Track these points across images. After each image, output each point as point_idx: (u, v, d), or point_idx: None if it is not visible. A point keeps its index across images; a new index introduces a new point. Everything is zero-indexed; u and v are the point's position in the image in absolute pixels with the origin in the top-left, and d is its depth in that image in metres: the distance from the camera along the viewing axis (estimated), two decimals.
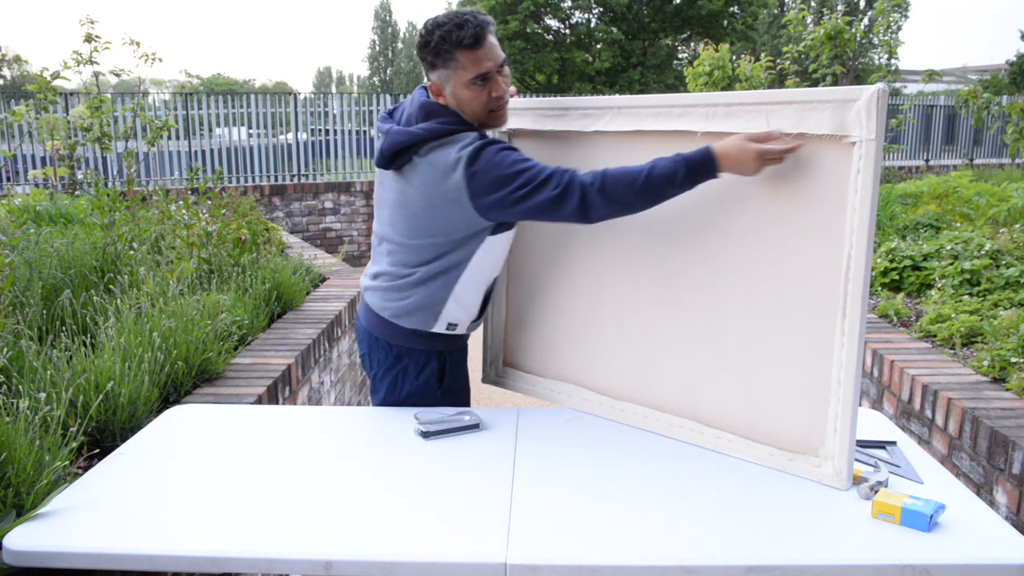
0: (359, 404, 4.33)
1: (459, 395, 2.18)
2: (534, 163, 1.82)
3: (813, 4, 32.73)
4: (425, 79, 1.97)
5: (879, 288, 4.12)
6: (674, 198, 1.77)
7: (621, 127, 1.90)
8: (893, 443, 1.84)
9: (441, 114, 1.91)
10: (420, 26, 1.92)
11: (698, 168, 1.70)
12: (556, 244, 2.10)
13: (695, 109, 1.77)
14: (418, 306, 2.02)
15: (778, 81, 8.44)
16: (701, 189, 1.78)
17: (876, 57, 21.14)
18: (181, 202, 4.13)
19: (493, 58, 1.88)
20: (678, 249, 1.85)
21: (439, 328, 2.04)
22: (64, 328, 2.65)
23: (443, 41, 1.84)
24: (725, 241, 1.77)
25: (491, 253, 1.99)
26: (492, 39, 1.88)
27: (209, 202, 4.19)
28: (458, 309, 2.04)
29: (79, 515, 1.51)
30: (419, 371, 2.09)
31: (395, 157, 1.92)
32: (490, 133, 2.02)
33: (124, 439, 2.05)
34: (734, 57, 8.76)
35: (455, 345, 2.12)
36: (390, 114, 2.06)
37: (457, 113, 1.92)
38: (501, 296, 2.27)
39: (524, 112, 2.10)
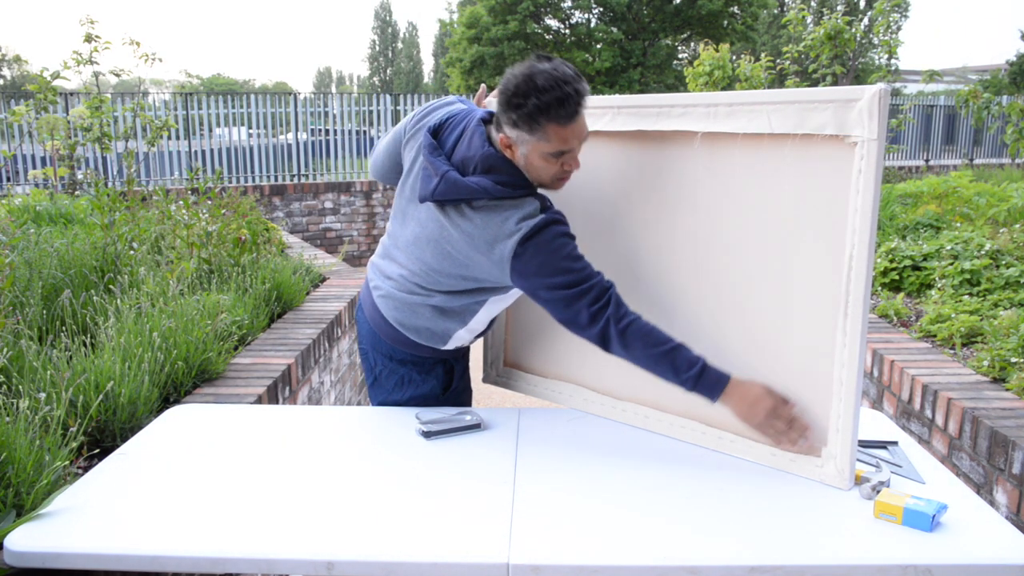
0: (359, 404, 4.33)
1: (461, 398, 2.19)
2: (583, 265, 1.74)
3: (813, 4, 32.73)
4: (493, 131, 1.82)
5: (879, 288, 4.12)
6: (680, 197, 1.78)
7: (621, 127, 1.90)
8: (895, 443, 1.84)
9: (504, 171, 1.78)
10: (514, 74, 1.72)
11: (707, 384, 1.69)
12: None
13: (696, 109, 1.76)
14: (429, 328, 1.98)
15: (778, 81, 8.44)
16: (700, 190, 1.78)
17: (876, 57, 21.15)
18: (181, 202, 4.13)
19: (579, 135, 1.75)
20: (679, 249, 1.85)
21: (449, 347, 2.04)
22: (64, 328, 2.65)
23: (538, 111, 1.68)
24: (726, 241, 1.77)
25: (514, 293, 1.94)
26: (583, 112, 1.73)
27: (209, 202, 4.19)
28: (468, 334, 2.03)
29: (79, 515, 1.51)
30: (424, 378, 2.07)
31: (449, 198, 1.81)
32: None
33: (124, 439, 2.05)
34: (734, 57, 8.75)
35: (459, 353, 2.12)
36: (435, 135, 1.89)
37: (520, 171, 1.79)
38: None
39: None
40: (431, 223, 1.87)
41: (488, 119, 1.86)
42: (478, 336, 2.11)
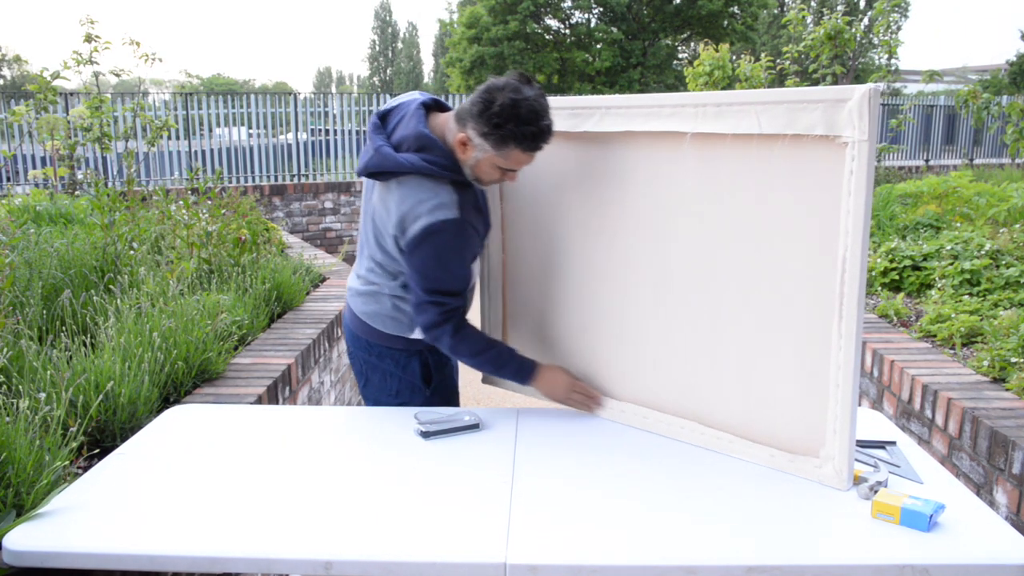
0: (359, 404, 4.33)
1: (447, 395, 2.21)
2: (463, 277, 1.97)
3: (813, 4, 32.72)
4: (452, 121, 1.92)
5: (879, 288, 4.12)
6: (672, 199, 1.80)
7: (610, 127, 1.89)
8: (893, 443, 1.84)
9: (435, 152, 1.89)
10: (500, 90, 1.81)
11: (522, 372, 2.03)
12: (554, 246, 2.10)
13: (684, 109, 1.74)
14: (393, 315, 2.09)
15: (778, 81, 8.44)
16: (690, 191, 1.78)
17: (876, 57, 21.15)
18: (181, 202, 4.14)
19: (531, 160, 1.90)
20: (675, 251, 1.85)
21: (417, 335, 2.09)
22: (64, 328, 2.65)
23: (512, 138, 1.81)
24: (721, 243, 1.76)
25: None
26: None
27: (209, 202, 4.19)
28: None
29: (79, 515, 1.51)
30: (402, 370, 2.15)
31: (376, 175, 1.95)
32: None
33: (124, 439, 2.06)
34: (734, 57, 8.76)
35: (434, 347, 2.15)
36: (382, 118, 2.02)
37: (451, 155, 1.90)
38: (498, 297, 2.27)
39: None
40: (371, 204, 2.02)
41: (429, 104, 2.01)
42: None
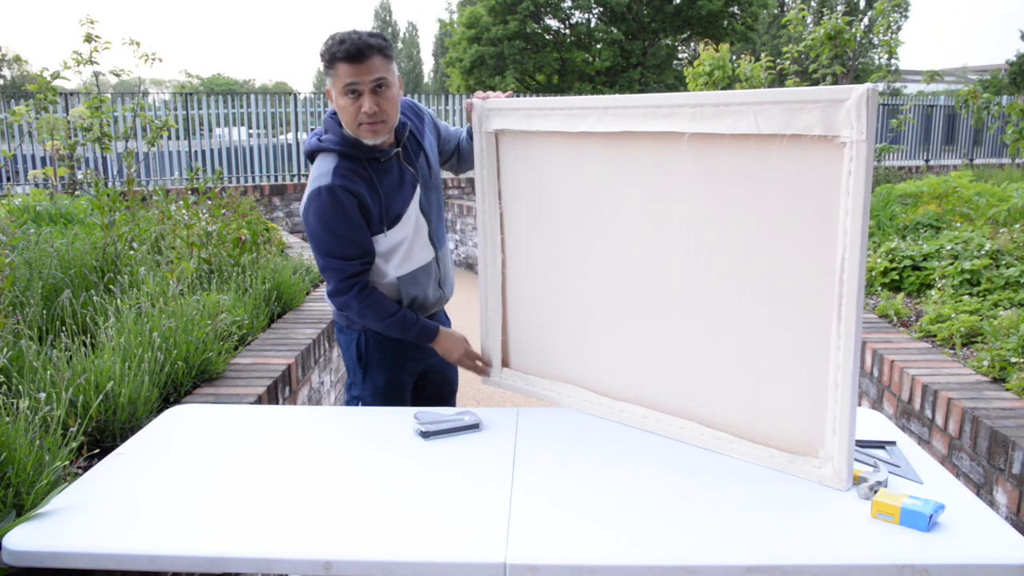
0: None
1: (383, 381, 2.30)
2: (348, 241, 2.09)
3: (813, 4, 32.71)
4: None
5: (879, 288, 4.12)
6: (670, 199, 1.82)
7: (608, 128, 1.89)
8: (893, 443, 1.84)
9: (331, 132, 2.14)
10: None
11: (425, 334, 2.24)
12: (553, 245, 2.10)
13: (682, 109, 1.74)
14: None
15: (778, 81, 8.44)
16: (688, 192, 1.78)
17: (876, 57, 21.15)
18: (181, 202, 4.14)
19: (364, 75, 2.01)
20: (673, 252, 1.85)
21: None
22: (64, 328, 2.65)
23: (327, 51, 2.03)
24: (720, 244, 1.76)
25: (379, 270, 2.20)
26: (377, 61, 2.02)
27: (209, 202, 4.19)
28: None
29: (79, 515, 1.51)
30: (346, 348, 2.35)
31: (309, 160, 2.20)
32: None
33: (124, 439, 2.06)
34: (734, 57, 8.75)
35: (372, 329, 2.28)
36: None
37: (339, 131, 2.12)
38: (497, 296, 2.27)
39: (509, 112, 2.10)
40: None
41: None
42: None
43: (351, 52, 1.99)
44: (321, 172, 2.08)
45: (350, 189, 2.07)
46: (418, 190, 2.22)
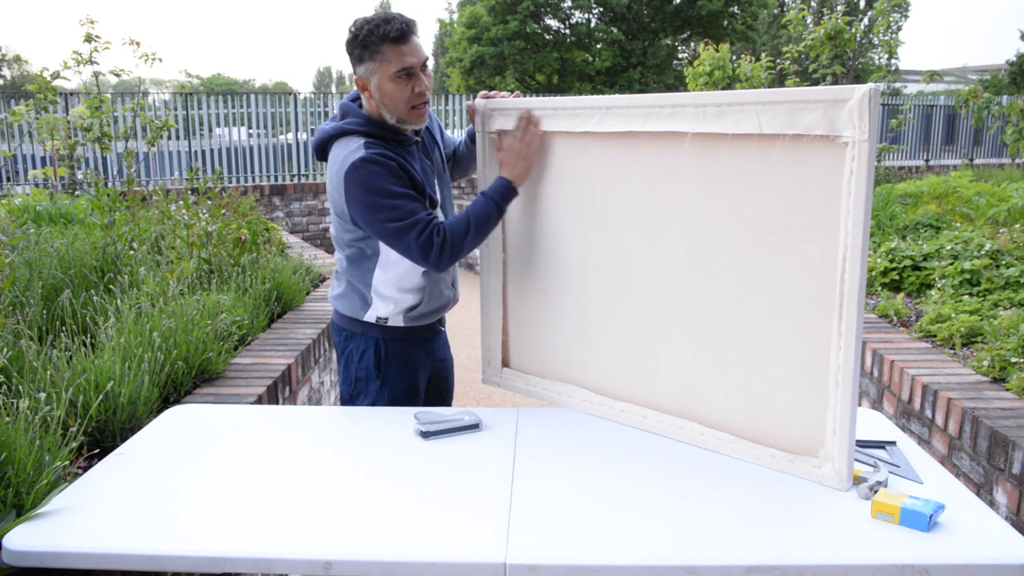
0: None
1: (401, 389, 2.21)
2: (402, 202, 1.94)
3: (813, 4, 32.71)
4: (353, 73, 2.06)
5: (879, 288, 4.12)
6: (672, 199, 1.80)
7: (611, 128, 1.89)
8: (893, 443, 1.84)
9: (352, 115, 2.05)
10: (351, 26, 2.01)
11: (504, 197, 2.02)
12: (554, 245, 2.10)
13: (684, 109, 1.75)
14: (346, 293, 2.18)
15: (778, 81, 8.44)
16: (691, 191, 1.78)
17: (876, 57, 21.15)
18: (181, 202, 4.14)
19: (417, 55, 1.97)
20: (675, 251, 1.85)
21: (370, 318, 2.15)
22: (64, 328, 2.65)
23: (371, 35, 1.94)
24: (721, 243, 1.76)
25: (392, 256, 2.08)
26: (417, 39, 1.99)
27: (209, 202, 4.19)
28: (382, 303, 2.14)
29: (79, 515, 1.51)
30: (360, 357, 2.20)
31: (320, 150, 2.10)
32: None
33: (124, 439, 2.06)
34: (734, 57, 8.76)
35: (392, 335, 2.18)
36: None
37: (368, 117, 2.03)
38: (498, 296, 2.27)
39: (511, 112, 2.10)
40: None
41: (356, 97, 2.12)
42: (408, 311, 2.16)
43: (404, 32, 1.93)
44: (350, 150, 1.97)
45: (389, 156, 1.98)
46: (436, 183, 2.18)
